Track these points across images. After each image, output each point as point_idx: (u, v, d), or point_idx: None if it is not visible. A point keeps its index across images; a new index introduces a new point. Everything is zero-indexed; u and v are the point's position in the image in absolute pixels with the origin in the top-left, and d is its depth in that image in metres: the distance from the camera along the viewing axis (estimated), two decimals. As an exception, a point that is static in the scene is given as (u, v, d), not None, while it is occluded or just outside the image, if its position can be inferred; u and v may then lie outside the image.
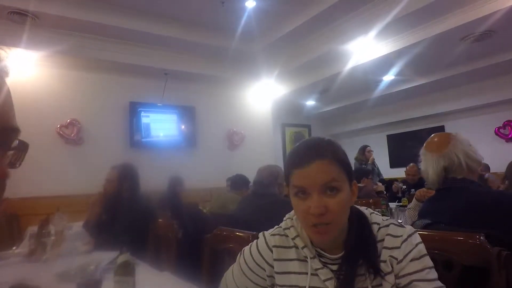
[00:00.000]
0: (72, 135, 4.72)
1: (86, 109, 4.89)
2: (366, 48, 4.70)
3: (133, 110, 5.17)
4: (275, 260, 0.95)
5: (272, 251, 0.96)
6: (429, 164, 1.53)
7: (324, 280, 0.87)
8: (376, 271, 0.84)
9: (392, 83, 6.05)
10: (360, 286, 0.85)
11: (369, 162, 5.70)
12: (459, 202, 1.40)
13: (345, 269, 0.86)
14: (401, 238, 0.86)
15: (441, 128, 6.93)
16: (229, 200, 3.31)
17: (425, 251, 0.86)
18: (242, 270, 1.02)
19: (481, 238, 1.06)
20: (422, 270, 0.83)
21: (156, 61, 5.03)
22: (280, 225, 1.01)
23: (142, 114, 5.25)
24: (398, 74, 5.54)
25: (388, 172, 7.55)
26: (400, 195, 4.83)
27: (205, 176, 5.24)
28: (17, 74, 4.43)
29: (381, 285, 0.85)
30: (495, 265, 0.99)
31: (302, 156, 0.87)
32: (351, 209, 0.90)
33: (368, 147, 5.93)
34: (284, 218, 1.01)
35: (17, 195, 4.30)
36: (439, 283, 0.84)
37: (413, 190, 4.58)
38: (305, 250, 0.91)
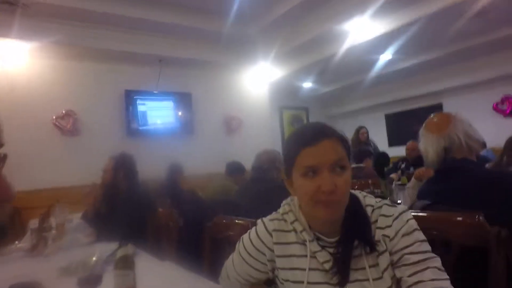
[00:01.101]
0: (69, 126, 4.69)
1: (82, 99, 4.84)
2: (363, 28, 4.63)
3: (129, 99, 5.12)
4: (275, 243, 0.96)
5: (271, 235, 0.97)
6: (429, 144, 1.51)
7: (322, 262, 0.89)
8: (372, 248, 0.86)
9: (389, 62, 5.99)
10: (357, 267, 0.87)
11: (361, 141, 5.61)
12: (459, 182, 1.39)
13: (342, 251, 0.88)
14: (392, 217, 0.88)
15: (439, 106, 6.91)
16: (225, 187, 3.31)
17: (416, 226, 0.88)
18: (242, 257, 1.02)
19: (480, 218, 1.06)
20: (413, 244, 0.85)
21: (150, 48, 4.95)
22: (278, 211, 1.01)
23: (138, 102, 5.20)
24: (395, 53, 5.47)
25: (386, 151, 7.56)
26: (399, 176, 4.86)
27: (203, 162, 5.23)
28: (10, 65, 4.38)
29: (377, 264, 0.86)
30: (494, 245, 0.99)
31: (311, 134, 0.87)
32: None
33: (363, 129, 5.86)
34: (282, 204, 1.02)
35: (16, 188, 4.30)
36: (431, 254, 0.85)
37: (412, 168, 4.60)
38: (303, 233, 0.92)
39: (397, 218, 0.88)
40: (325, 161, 0.84)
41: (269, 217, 1.02)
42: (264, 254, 0.98)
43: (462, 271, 1.03)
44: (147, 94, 5.28)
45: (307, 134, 0.88)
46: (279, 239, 0.96)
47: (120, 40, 4.72)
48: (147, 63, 5.20)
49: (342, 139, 0.88)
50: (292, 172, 0.91)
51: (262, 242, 0.98)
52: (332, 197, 0.83)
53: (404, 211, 0.90)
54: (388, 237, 0.87)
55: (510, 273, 0.98)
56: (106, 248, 1.85)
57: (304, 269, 0.90)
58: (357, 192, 0.96)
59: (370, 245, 0.86)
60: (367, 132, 5.87)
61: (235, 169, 3.62)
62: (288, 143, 0.93)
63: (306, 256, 0.91)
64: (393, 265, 0.86)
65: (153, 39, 4.91)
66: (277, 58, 5.71)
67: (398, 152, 6.75)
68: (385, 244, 0.87)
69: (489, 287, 0.99)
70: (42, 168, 4.47)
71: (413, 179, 2.70)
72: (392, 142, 7.78)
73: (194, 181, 4.15)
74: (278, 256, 0.95)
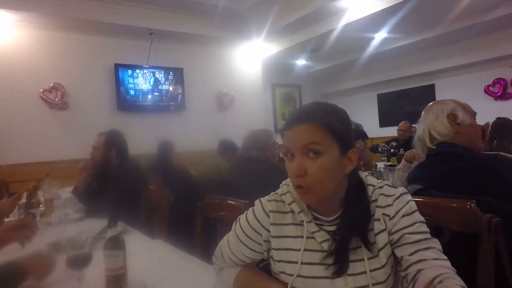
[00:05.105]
0: (57, 99, 4.58)
1: (69, 72, 4.71)
2: (359, 5, 4.54)
3: (119, 73, 5.00)
4: (271, 224, 0.96)
5: (269, 216, 0.97)
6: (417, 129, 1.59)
7: (321, 242, 0.90)
8: (367, 246, 0.86)
9: (383, 42, 5.93)
10: (352, 245, 0.88)
11: None
12: (450, 167, 1.40)
13: (341, 230, 0.89)
14: (393, 196, 0.89)
15: (431, 87, 6.90)
16: (217, 165, 3.28)
17: (416, 207, 0.89)
18: (238, 237, 1.03)
19: (473, 205, 1.06)
20: (413, 224, 0.86)
21: (140, 20, 4.79)
22: (276, 192, 1.02)
23: (128, 76, 5.09)
24: (390, 31, 5.42)
25: (377, 131, 7.60)
26: (383, 153, 4.91)
27: (195, 138, 5.19)
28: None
29: (374, 242, 0.87)
30: (485, 232, 1.00)
31: (291, 118, 0.90)
32: (352, 176, 0.90)
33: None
34: (281, 185, 1.02)
35: (4, 162, 4.25)
36: (431, 236, 0.86)
37: (402, 149, 4.64)
38: (301, 214, 0.93)
39: (398, 198, 0.89)
40: (297, 145, 0.85)
41: (267, 197, 1.02)
42: (260, 235, 0.99)
43: (451, 256, 1.04)
44: (137, 68, 5.16)
45: (290, 117, 0.91)
46: (276, 220, 0.96)
47: (110, 11, 4.56)
48: (138, 36, 5.05)
49: (325, 124, 0.85)
50: None
51: (259, 222, 0.99)
52: (300, 181, 0.85)
53: (405, 192, 0.91)
54: (388, 216, 0.87)
55: (499, 260, 0.99)
56: (96, 225, 1.84)
57: (298, 250, 0.91)
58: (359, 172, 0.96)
59: (364, 237, 0.86)
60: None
61: (227, 147, 3.60)
62: None
63: (301, 237, 0.92)
64: (392, 244, 0.87)
65: (143, 11, 4.76)
66: (271, 35, 5.60)
67: (389, 132, 6.79)
68: (385, 223, 0.88)
69: (477, 273, 1.01)
70: (29, 141, 4.39)
71: (403, 160, 2.72)
72: (383, 123, 7.80)
73: (185, 157, 4.13)
74: (274, 237, 0.96)
